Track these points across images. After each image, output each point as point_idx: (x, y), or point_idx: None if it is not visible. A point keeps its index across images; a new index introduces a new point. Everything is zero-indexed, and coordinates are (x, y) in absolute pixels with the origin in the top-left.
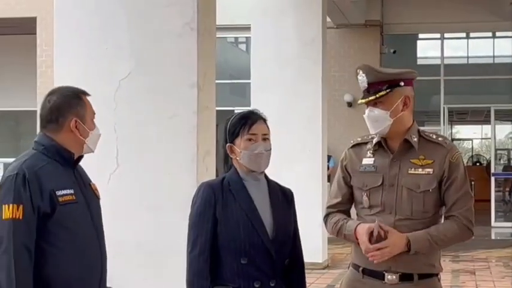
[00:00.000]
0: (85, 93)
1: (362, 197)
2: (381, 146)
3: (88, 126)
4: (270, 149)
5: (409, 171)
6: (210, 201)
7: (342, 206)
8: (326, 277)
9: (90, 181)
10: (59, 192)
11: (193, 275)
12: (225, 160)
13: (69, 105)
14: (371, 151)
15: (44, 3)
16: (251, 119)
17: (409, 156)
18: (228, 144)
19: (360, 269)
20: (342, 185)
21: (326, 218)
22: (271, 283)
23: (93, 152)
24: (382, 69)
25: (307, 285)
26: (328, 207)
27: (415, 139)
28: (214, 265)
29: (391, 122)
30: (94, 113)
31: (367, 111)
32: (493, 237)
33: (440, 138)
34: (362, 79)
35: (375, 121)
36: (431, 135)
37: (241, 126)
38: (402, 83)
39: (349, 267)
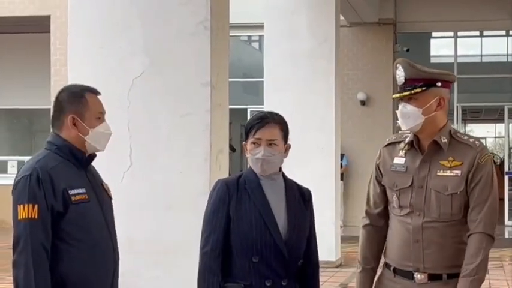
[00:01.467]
0: (92, 91)
1: (392, 197)
2: (413, 145)
3: (88, 124)
4: (277, 154)
5: (438, 173)
6: (224, 198)
7: (378, 206)
8: (339, 276)
9: (102, 181)
10: (71, 192)
11: (204, 271)
12: None
13: (68, 102)
14: (403, 151)
15: (58, 1)
16: (260, 123)
17: (439, 157)
18: (243, 143)
19: (392, 268)
20: (376, 185)
21: (364, 223)
22: (283, 282)
23: (100, 150)
24: (421, 66)
25: (321, 283)
26: (366, 207)
27: (445, 140)
28: (227, 262)
29: (423, 119)
30: (100, 112)
31: (400, 106)
32: (506, 236)
33: (471, 140)
34: (400, 74)
35: (407, 117)
36: (463, 136)
37: (250, 128)
38: (439, 84)
39: (383, 266)
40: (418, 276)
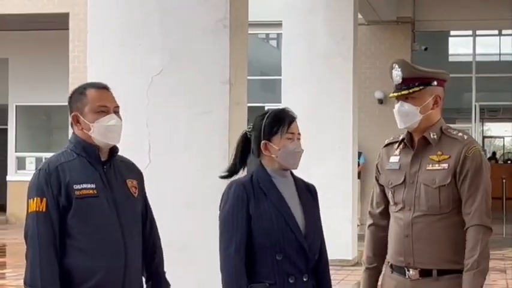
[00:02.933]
0: (96, 86)
1: (388, 194)
2: (406, 143)
3: (88, 119)
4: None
5: (427, 168)
6: (243, 198)
7: (380, 206)
8: (356, 274)
9: (128, 178)
10: (76, 186)
11: (231, 274)
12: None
13: (71, 100)
14: (398, 149)
15: None
16: (289, 117)
17: (429, 152)
18: (263, 142)
19: (389, 264)
20: (376, 185)
21: (368, 223)
22: (304, 278)
23: (112, 144)
24: (417, 66)
25: (337, 281)
26: (369, 208)
27: (434, 136)
28: (249, 263)
29: (421, 117)
30: (103, 105)
31: (397, 105)
32: None
33: (460, 134)
34: (397, 73)
35: (405, 116)
36: (453, 131)
37: (281, 124)
38: (435, 82)
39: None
40: (409, 272)
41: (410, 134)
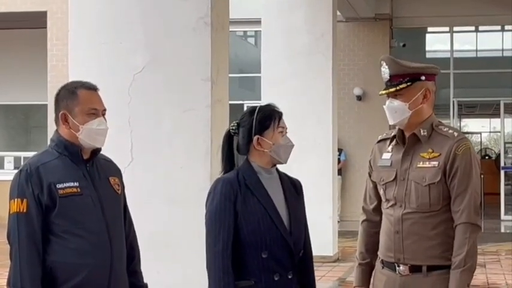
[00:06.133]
0: (87, 87)
1: (380, 191)
2: (398, 140)
3: (78, 120)
4: None
5: (418, 165)
6: (230, 196)
7: (373, 202)
8: (337, 270)
9: (110, 175)
10: (59, 185)
11: (219, 271)
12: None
13: (61, 98)
14: (391, 146)
15: None
16: (278, 112)
17: (419, 150)
18: (256, 136)
19: (380, 260)
20: (369, 181)
21: (361, 219)
22: (289, 275)
23: (97, 147)
24: (404, 62)
25: (318, 278)
26: (363, 203)
27: (424, 133)
28: (235, 260)
29: (410, 113)
30: (93, 108)
31: (387, 102)
32: (502, 230)
33: (450, 131)
34: (384, 70)
35: (394, 112)
36: (444, 128)
37: (272, 119)
38: (423, 77)
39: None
40: (399, 267)
41: (401, 131)
